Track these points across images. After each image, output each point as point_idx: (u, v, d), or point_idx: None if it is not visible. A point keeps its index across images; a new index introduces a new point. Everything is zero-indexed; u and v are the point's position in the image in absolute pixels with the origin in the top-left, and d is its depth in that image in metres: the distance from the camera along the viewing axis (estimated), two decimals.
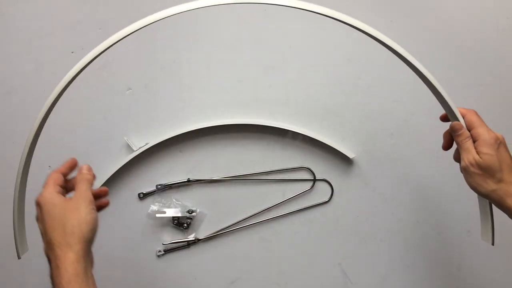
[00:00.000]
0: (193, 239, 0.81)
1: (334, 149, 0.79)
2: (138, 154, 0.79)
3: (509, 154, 0.54)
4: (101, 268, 0.81)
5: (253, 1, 0.54)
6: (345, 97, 0.81)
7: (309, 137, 0.79)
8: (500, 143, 0.53)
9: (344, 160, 0.81)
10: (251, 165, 0.82)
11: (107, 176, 0.79)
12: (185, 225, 0.80)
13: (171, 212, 0.79)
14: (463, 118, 0.57)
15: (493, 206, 0.57)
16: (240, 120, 0.80)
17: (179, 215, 0.80)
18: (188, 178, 0.81)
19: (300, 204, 0.82)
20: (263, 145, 0.82)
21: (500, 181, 0.53)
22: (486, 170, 0.53)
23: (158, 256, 0.81)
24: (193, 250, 0.82)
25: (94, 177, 0.56)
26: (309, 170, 0.82)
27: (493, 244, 0.72)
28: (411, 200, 0.81)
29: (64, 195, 0.53)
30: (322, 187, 0.82)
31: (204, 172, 0.82)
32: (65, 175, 0.56)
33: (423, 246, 0.81)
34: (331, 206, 0.82)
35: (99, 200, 0.57)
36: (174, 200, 0.81)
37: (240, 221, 0.81)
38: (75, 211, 0.50)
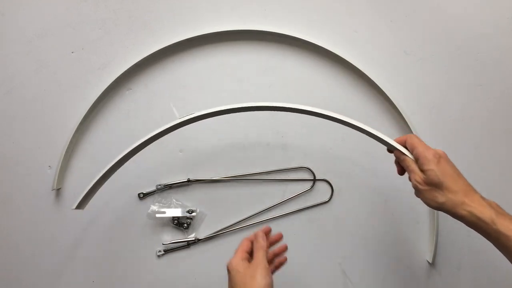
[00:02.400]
0: (193, 239, 0.81)
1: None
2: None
3: (451, 166, 0.57)
4: (101, 268, 0.81)
5: None
6: (345, 97, 0.81)
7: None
8: (439, 157, 0.57)
9: (344, 160, 0.81)
10: (251, 165, 0.82)
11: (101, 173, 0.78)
12: (185, 225, 0.80)
13: (171, 212, 0.79)
14: (405, 143, 0.61)
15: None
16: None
17: (179, 215, 0.80)
18: (188, 178, 0.81)
19: (300, 204, 0.82)
20: (263, 145, 0.82)
21: (446, 192, 0.56)
22: (432, 185, 0.56)
23: (158, 256, 0.81)
24: (193, 250, 0.82)
25: (267, 243, 0.63)
26: (309, 170, 0.82)
27: (431, 262, 0.74)
28: (411, 200, 0.81)
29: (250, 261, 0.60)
30: (322, 187, 0.82)
31: (204, 172, 0.82)
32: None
33: (423, 247, 0.81)
34: (331, 206, 0.82)
35: (279, 259, 0.67)
36: (174, 200, 0.81)
37: (240, 221, 0.81)
38: (253, 278, 0.55)
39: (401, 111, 0.78)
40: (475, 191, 0.57)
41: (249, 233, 0.82)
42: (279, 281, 0.82)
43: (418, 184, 0.58)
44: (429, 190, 0.57)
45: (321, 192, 0.82)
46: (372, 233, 0.81)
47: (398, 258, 0.81)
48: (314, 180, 0.82)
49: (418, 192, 0.59)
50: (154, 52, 0.79)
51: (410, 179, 0.60)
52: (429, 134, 0.80)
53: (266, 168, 0.82)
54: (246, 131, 0.82)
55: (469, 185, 0.57)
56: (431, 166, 0.56)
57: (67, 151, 0.79)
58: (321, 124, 0.81)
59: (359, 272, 0.82)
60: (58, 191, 0.80)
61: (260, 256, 0.59)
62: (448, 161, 0.58)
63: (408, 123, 0.78)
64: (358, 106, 0.81)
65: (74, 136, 0.79)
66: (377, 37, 0.81)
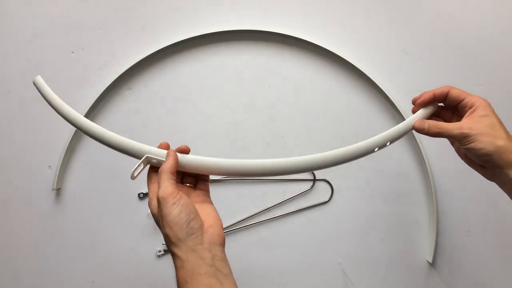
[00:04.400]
0: None
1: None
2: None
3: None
4: (101, 268, 0.81)
5: None
6: (345, 97, 0.81)
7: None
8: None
9: None
10: None
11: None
12: None
13: None
14: (448, 94, 0.57)
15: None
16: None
17: None
18: None
19: (300, 204, 0.82)
20: (263, 145, 0.82)
21: (505, 138, 0.50)
22: (491, 128, 0.51)
23: (158, 256, 0.81)
24: None
25: (175, 163, 0.47)
26: None
27: (431, 262, 0.74)
28: (411, 200, 0.81)
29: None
30: (322, 187, 0.82)
31: None
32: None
33: (423, 246, 0.81)
34: (331, 206, 0.82)
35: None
36: None
37: (240, 221, 0.81)
38: (161, 218, 0.43)
39: (401, 111, 0.78)
40: None
41: (249, 233, 0.82)
42: (279, 281, 0.82)
43: (469, 130, 0.50)
44: (484, 134, 0.50)
45: (321, 192, 0.82)
46: (372, 233, 0.81)
47: (398, 258, 0.81)
48: (314, 180, 0.82)
49: (469, 140, 0.51)
50: (154, 52, 0.79)
51: (452, 137, 0.53)
52: None
53: None
54: (246, 131, 0.81)
55: None
56: (490, 112, 0.53)
57: (67, 151, 0.79)
58: (321, 124, 0.82)
59: (359, 272, 0.82)
60: (58, 191, 0.80)
61: (162, 183, 0.45)
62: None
63: None
64: (358, 106, 0.81)
65: (74, 136, 0.79)
66: (377, 37, 0.81)
